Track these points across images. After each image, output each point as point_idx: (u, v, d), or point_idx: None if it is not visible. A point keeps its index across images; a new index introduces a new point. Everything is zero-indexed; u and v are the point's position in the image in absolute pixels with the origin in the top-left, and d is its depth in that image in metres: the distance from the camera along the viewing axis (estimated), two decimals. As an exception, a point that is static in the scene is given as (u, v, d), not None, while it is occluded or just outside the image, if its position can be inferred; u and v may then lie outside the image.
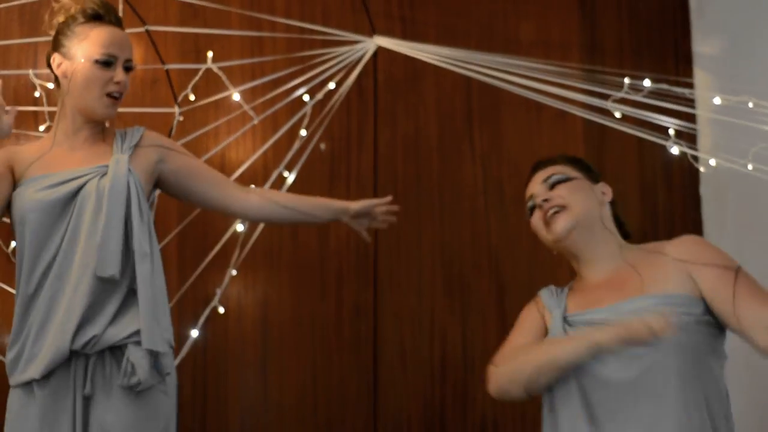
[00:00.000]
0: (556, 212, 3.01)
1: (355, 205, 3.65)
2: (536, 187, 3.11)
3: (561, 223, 2.99)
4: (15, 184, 3.20)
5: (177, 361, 3.46)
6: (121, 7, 4.26)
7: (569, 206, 3.00)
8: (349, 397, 4.83)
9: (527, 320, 3.09)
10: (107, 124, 3.41)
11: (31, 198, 3.13)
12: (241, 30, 4.83)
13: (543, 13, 5.21)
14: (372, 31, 4.77)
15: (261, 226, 4.47)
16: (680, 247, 2.98)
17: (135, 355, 3.11)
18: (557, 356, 2.80)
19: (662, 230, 5.05)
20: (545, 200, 3.03)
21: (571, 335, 2.86)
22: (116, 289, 3.16)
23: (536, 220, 3.08)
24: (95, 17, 3.26)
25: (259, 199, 3.51)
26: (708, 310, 2.84)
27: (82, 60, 3.21)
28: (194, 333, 4.41)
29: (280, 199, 3.56)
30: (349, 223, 3.64)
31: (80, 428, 3.10)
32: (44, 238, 3.13)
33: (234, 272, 4.46)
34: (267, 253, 4.80)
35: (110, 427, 3.10)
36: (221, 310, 4.52)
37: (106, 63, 3.22)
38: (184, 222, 4.49)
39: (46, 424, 3.08)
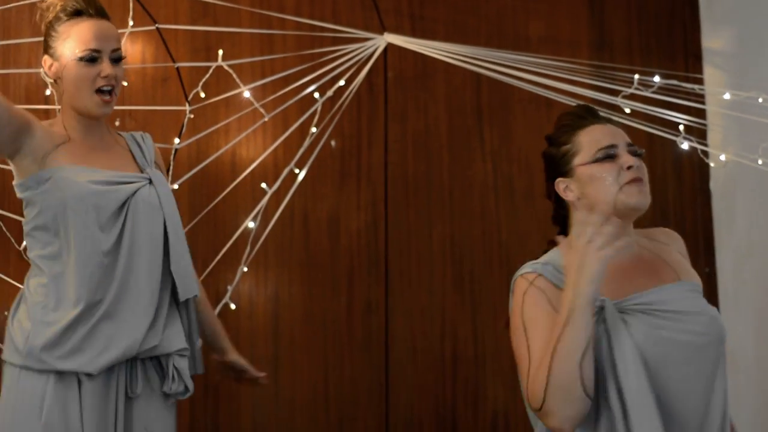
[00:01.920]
0: (639, 181, 2.78)
1: (232, 357, 3.74)
2: (620, 142, 2.83)
3: (645, 198, 2.77)
4: (35, 153, 3.16)
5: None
6: (131, 5, 4.26)
7: (646, 185, 2.79)
8: (360, 394, 4.83)
9: (544, 312, 2.73)
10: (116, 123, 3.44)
11: (88, 186, 3.12)
12: (252, 28, 4.84)
13: (552, 10, 5.21)
14: (382, 29, 4.78)
15: (272, 222, 4.48)
16: (674, 239, 2.98)
17: (181, 365, 3.28)
18: (575, 325, 2.55)
19: (673, 225, 5.04)
20: (635, 167, 2.77)
21: (562, 312, 2.58)
22: (164, 299, 3.26)
23: (612, 172, 2.78)
24: (76, 13, 3.24)
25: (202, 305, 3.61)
26: None
27: (68, 59, 3.21)
28: (206, 330, 4.42)
29: (204, 315, 3.64)
30: (219, 361, 3.71)
31: (121, 428, 3.15)
32: (99, 232, 3.13)
33: (245, 269, 4.46)
34: (278, 250, 4.81)
35: (154, 429, 3.23)
36: (233, 306, 4.52)
37: (90, 59, 3.19)
38: (195, 219, 4.50)
39: (92, 419, 3.11)
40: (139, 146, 3.41)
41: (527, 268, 2.81)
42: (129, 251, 3.17)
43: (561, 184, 2.87)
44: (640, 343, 2.63)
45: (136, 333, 3.15)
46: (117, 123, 4.64)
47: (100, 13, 3.30)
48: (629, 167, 2.77)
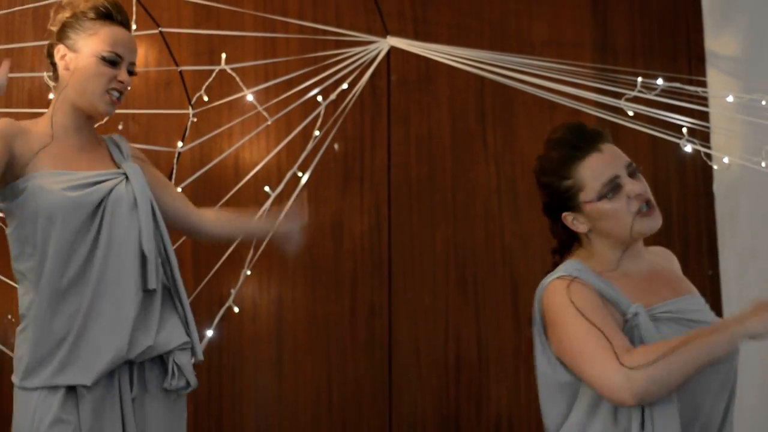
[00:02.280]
0: (650, 208, 2.80)
1: (257, 226, 3.91)
2: (620, 168, 2.82)
3: (658, 221, 2.79)
4: (14, 165, 3.12)
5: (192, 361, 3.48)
6: (134, 9, 4.26)
7: (656, 208, 2.81)
8: (363, 397, 4.84)
9: (601, 306, 2.72)
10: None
11: (61, 195, 3.08)
12: (255, 31, 4.85)
13: (555, 13, 5.21)
14: (385, 32, 4.78)
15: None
16: (672, 258, 3.04)
17: (182, 360, 3.27)
18: (715, 351, 2.51)
19: (676, 228, 5.05)
20: (641, 194, 2.79)
21: (713, 327, 2.59)
22: (154, 296, 3.23)
23: (621, 206, 2.78)
24: (106, 16, 3.26)
25: (212, 220, 3.66)
26: None
27: (89, 54, 3.22)
28: (209, 333, 4.42)
29: (227, 220, 3.75)
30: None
31: (133, 430, 3.17)
32: (75, 238, 3.11)
33: (248, 272, 4.46)
34: (281, 253, 4.81)
35: (157, 429, 3.24)
36: (236, 310, 4.53)
37: (113, 62, 3.21)
38: (198, 222, 4.50)
39: (97, 428, 3.11)
40: (117, 145, 3.41)
41: (557, 274, 2.81)
42: (105, 252, 3.14)
43: (569, 218, 2.87)
44: None
45: (121, 336, 3.12)
46: (120, 127, 4.65)
47: (127, 25, 3.33)
48: (637, 195, 2.78)
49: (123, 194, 3.20)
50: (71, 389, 3.11)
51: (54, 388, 3.09)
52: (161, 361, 3.27)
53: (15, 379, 3.16)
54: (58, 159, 3.19)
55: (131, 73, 3.29)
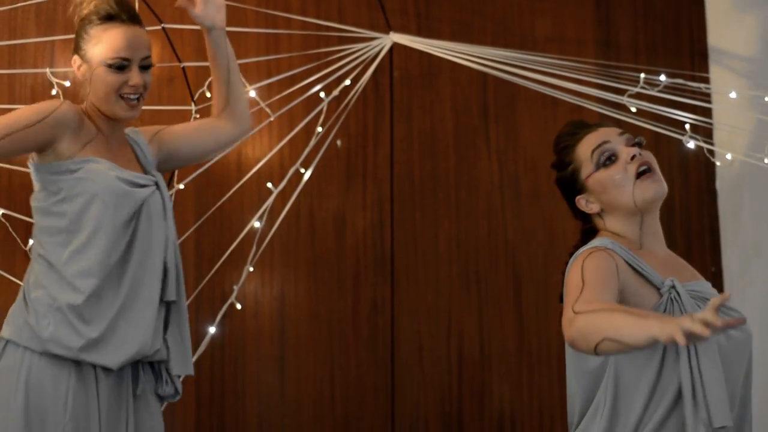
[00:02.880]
0: (648, 171, 2.78)
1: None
2: (613, 136, 2.84)
3: (662, 185, 2.78)
4: (61, 149, 3.17)
5: (195, 357, 3.51)
6: (137, 5, 4.26)
7: (657, 173, 2.80)
8: (366, 394, 4.83)
9: (609, 274, 2.67)
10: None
11: (117, 183, 3.15)
12: (257, 27, 4.84)
13: (558, 9, 5.21)
14: (388, 28, 4.78)
15: (278, 222, 4.48)
16: None
17: (174, 370, 3.31)
18: (624, 338, 2.38)
19: (678, 224, 5.05)
20: (637, 156, 2.78)
21: (653, 314, 2.52)
22: (162, 305, 3.29)
23: (618, 172, 2.79)
24: (108, 17, 3.26)
25: (225, 122, 3.64)
26: None
27: (97, 64, 3.23)
28: (212, 329, 4.42)
29: (227, 101, 3.68)
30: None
31: (132, 427, 3.21)
32: (120, 226, 3.16)
33: (251, 269, 4.46)
34: (284, 249, 4.81)
35: (155, 429, 3.31)
36: (238, 306, 4.52)
37: (120, 67, 3.22)
38: (201, 219, 4.50)
39: (108, 416, 3.13)
40: (139, 146, 3.42)
41: (589, 246, 2.77)
42: (141, 254, 3.20)
43: (581, 201, 2.89)
44: None
45: (147, 334, 3.18)
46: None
47: (133, 19, 3.31)
48: (632, 157, 2.78)
49: (157, 202, 3.26)
50: (91, 371, 3.13)
51: (80, 365, 3.12)
52: (152, 367, 3.31)
53: (19, 338, 3.15)
54: (105, 153, 3.24)
55: (146, 67, 3.29)
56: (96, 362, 3.12)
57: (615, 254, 2.72)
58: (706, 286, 2.83)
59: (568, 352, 2.81)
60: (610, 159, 2.81)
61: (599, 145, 2.83)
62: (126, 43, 3.23)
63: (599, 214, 2.88)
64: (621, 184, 2.79)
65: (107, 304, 3.15)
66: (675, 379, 2.64)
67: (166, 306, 3.31)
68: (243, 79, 4.32)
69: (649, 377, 2.67)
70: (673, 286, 2.70)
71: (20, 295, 3.25)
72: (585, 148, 2.86)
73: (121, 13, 3.27)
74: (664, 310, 2.67)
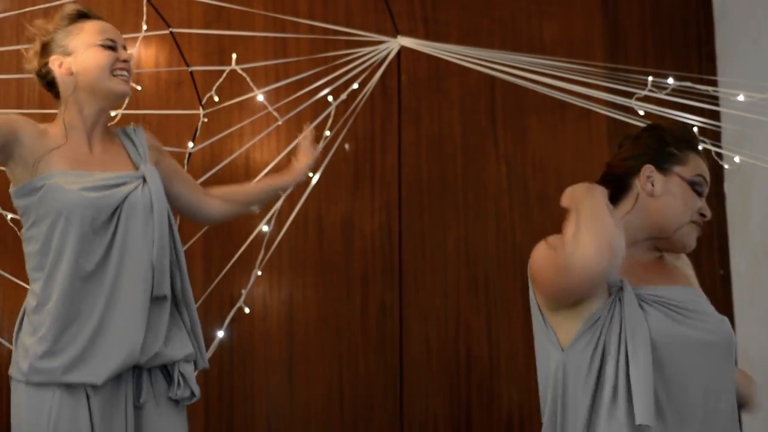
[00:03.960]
0: (700, 227, 2.89)
1: (294, 174, 3.97)
2: (708, 183, 2.93)
3: (694, 243, 2.88)
4: (26, 159, 3.15)
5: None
6: (145, 9, 4.27)
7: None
8: (375, 396, 4.84)
9: None
10: (116, 117, 3.45)
11: (79, 195, 3.10)
12: (265, 31, 4.85)
13: (566, 13, 5.21)
14: (395, 32, 4.78)
15: (286, 226, 4.48)
16: (689, 264, 3.04)
17: (187, 371, 3.29)
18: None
19: (687, 228, 5.05)
20: (705, 217, 2.89)
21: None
22: (164, 304, 3.25)
23: (693, 205, 2.85)
24: (82, 16, 3.32)
25: (220, 203, 3.65)
26: None
27: (86, 47, 3.25)
28: (220, 333, 4.42)
29: (237, 197, 3.73)
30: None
31: None
32: (91, 239, 3.13)
33: (259, 273, 4.46)
34: (292, 253, 4.82)
35: None
36: (247, 310, 4.53)
37: (110, 47, 3.26)
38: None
39: (102, 430, 3.12)
40: (132, 141, 3.41)
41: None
42: (120, 256, 3.15)
43: (647, 171, 2.89)
44: (653, 331, 2.66)
45: (134, 339, 3.14)
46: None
47: (102, 20, 3.38)
48: (702, 215, 2.86)
49: (139, 199, 3.21)
50: (80, 390, 3.12)
51: (68, 387, 3.11)
52: (166, 370, 3.29)
53: (17, 373, 3.16)
54: (73, 162, 3.20)
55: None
56: (80, 382, 3.10)
57: None
58: (684, 291, 2.81)
59: (537, 337, 2.89)
60: (699, 192, 2.86)
61: (703, 177, 2.88)
62: (108, 29, 3.31)
63: (641, 195, 2.89)
64: (683, 212, 2.85)
65: (86, 317, 3.12)
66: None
67: (174, 303, 3.30)
68: (252, 84, 4.33)
69: (592, 379, 2.70)
70: (621, 288, 2.72)
71: None
72: (695, 166, 2.88)
73: (91, 14, 3.35)
74: (609, 309, 2.70)
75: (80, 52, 3.25)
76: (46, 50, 3.31)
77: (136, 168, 3.32)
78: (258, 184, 3.87)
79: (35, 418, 3.11)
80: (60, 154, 3.19)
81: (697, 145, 2.94)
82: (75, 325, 3.12)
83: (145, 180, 3.27)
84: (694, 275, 3.01)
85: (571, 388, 2.75)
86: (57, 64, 3.28)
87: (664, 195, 2.86)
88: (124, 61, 3.28)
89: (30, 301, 3.21)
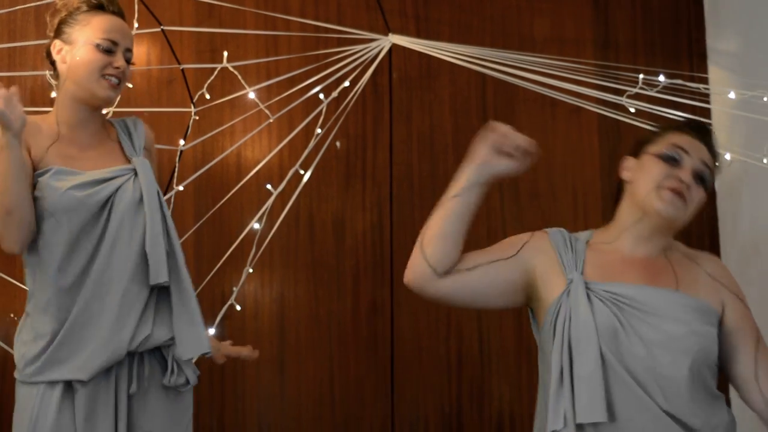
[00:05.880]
0: (680, 195, 2.82)
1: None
2: (695, 154, 2.87)
3: (674, 211, 2.81)
4: (31, 150, 3.18)
5: (195, 359, 3.49)
6: (136, 7, 4.27)
7: (688, 207, 2.84)
8: (366, 395, 4.84)
9: (510, 244, 2.98)
10: (108, 114, 3.44)
11: (66, 195, 3.12)
12: (257, 29, 4.85)
13: (557, 10, 5.21)
14: (387, 30, 4.78)
15: (278, 223, 4.49)
16: (713, 264, 2.97)
17: (184, 355, 3.29)
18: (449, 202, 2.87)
19: (678, 225, 5.05)
20: (687, 186, 2.82)
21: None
22: (153, 290, 3.26)
23: (663, 173, 2.84)
24: (98, 7, 3.30)
25: None
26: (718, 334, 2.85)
27: (83, 43, 3.24)
28: (211, 331, 4.41)
29: None
30: None
31: (124, 426, 3.18)
32: (79, 237, 3.15)
33: (251, 270, 4.47)
34: (283, 251, 4.82)
35: (153, 425, 3.26)
36: (238, 307, 4.53)
37: (107, 50, 3.24)
38: (201, 220, 4.50)
39: (90, 424, 3.13)
40: (129, 134, 3.41)
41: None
42: (109, 250, 3.17)
43: (627, 161, 2.96)
44: (598, 326, 2.69)
45: (122, 333, 3.16)
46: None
47: (120, 14, 3.37)
48: (681, 181, 2.82)
49: (130, 192, 3.22)
50: (68, 385, 3.13)
51: (51, 383, 3.11)
52: (161, 356, 3.29)
53: (16, 373, 3.19)
54: (65, 158, 3.21)
55: (129, 61, 3.31)
56: (67, 378, 3.12)
57: (545, 237, 2.94)
58: (647, 293, 2.78)
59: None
60: (673, 160, 2.85)
61: (678, 146, 2.87)
62: (115, 28, 3.28)
63: (625, 185, 2.95)
64: (652, 178, 2.85)
65: (75, 314, 3.15)
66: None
67: (167, 291, 3.30)
68: (243, 81, 4.33)
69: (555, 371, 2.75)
70: (572, 281, 2.76)
71: None
72: (673, 138, 2.91)
73: (109, 5, 3.33)
74: (558, 303, 2.76)
75: (78, 46, 3.25)
76: (58, 27, 3.32)
77: (128, 161, 3.33)
78: None
79: (19, 416, 3.15)
80: (54, 150, 3.21)
81: (687, 126, 2.97)
82: (59, 323, 3.13)
83: (136, 173, 3.27)
84: (720, 278, 2.95)
85: (541, 380, 2.91)
86: (57, 50, 3.29)
87: (636, 174, 2.90)
88: (117, 67, 3.25)
89: (27, 300, 3.23)
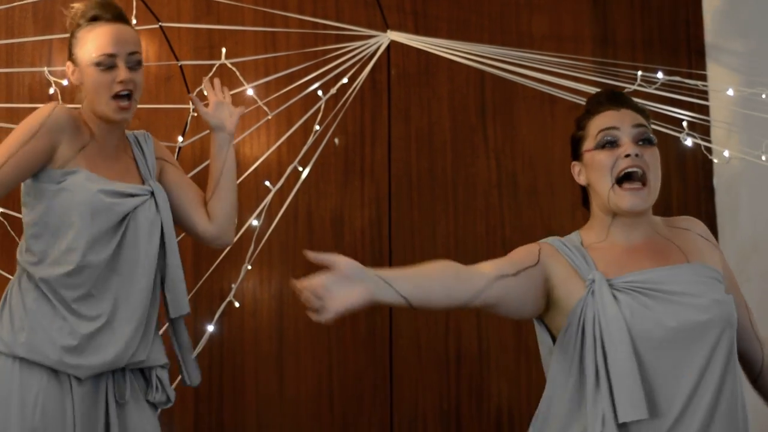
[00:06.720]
0: (639, 184, 2.78)
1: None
2: (625, 124, 2.83)
3: (639, 201, 2.77)
4: (56, 154, 3.17)
5: (194, 355, 3.49)
6: (134, 4, 4.26)
7: (649, 183, 2.79)
8: (364, 392, 4.84)
9: (520, 254, 2.84)
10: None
11: (97, 196, 3.15)
12: (255, 26, 4.84)
13: (555, 7, 5.21)
14: (385, 26, 4.78)
15: (276, 220, 4.48)
16: (699, 225, 2.98)
17: (164, 377, 3.35)
18: None
19: (676, 222, 5.05)
20: (636, 155, 2.78)
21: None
22: (153, 314, 3.32)
23: (609, 160, 2.80)
24: (93, 19, 3.27)
25: (209, 211, 3.58)
26: None
27: (86, 65, 3.24)
28: (210, 328, 4.42)
29: (211, 201, 3.60)
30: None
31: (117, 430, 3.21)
32: (98, 239, 3.17)
33: (249, 267, 4.46)
34: (282, 247, 4.82)
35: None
36: (237, 304, 4.52)
37: (108, 66, 3.21)
38: (199, 217, 4.50)
39: (83, 423, 3.14)
40: (142, 151, 3.42)
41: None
42: (128, 266, 3.20)
43: (575, 168, 2.94)
44: (627, 321, 2.65)
45: (129, 345, 3.20)
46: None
47: (117, 18, 3.31)
48: (627, 155, 2.78)
49: (147, 214, 3.25)
50: (65, 377, 3.14)
51: (55, 372, 3.13)
52: (143, 374, 3.34)
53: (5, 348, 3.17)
54: (93, 165, 3.22)
55: (137, 64, 3.28)
56: (67, 371, 3.14)
57: (549, 246, 2.84)
58: (669, 272, 2.76)
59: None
60: (611, 144, 2.82)
61: (606, 128, 2.83)
62: (109, 39, 3.23)
63: (587, 189, 2.92)
64: (603, 174, 2.82)
65: (92, 316, 3.18)
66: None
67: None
68: (242, 78, 4.32)
69: (574, 373, 2.72)
70: (593, 281, 2.72)
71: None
72: (597, 123, 2.87)
73: (104, 13, 3.27)
74: (583, 305, 2.70)
75: (83, 67, 3.25)
76: (69, 46, 3.32)
77: (143, 182, 3.34)
78: (213, 170, 3.68)
79: (21, 396, 3.14)
80: (86, 154, 3.22)
81: (604, 99, 2.93)
82: (80, 319, 3.18)
83: (153, 196, 3.29)
84: (709, 237, 2.98)
85: (557, 383, 2.81)
86: (70, 72, 3.31)
87: (589, 175, 2.87)
88: (121, 81, 3.21)
89: (26, 283, 3.24)
